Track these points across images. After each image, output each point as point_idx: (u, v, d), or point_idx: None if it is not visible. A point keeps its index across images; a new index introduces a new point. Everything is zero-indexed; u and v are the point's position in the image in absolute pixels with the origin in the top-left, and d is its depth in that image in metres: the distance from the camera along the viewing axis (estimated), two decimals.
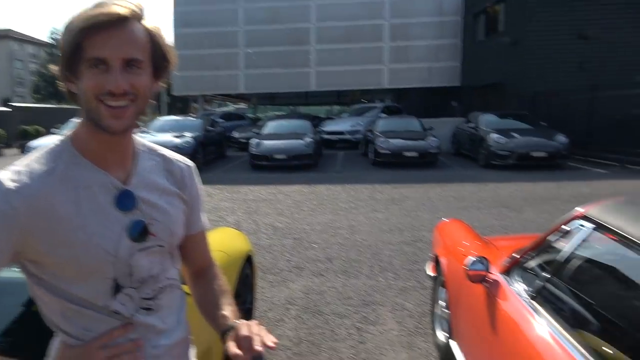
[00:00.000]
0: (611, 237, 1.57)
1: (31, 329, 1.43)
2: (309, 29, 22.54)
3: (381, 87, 23.90)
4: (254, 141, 12.87)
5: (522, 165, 11.48)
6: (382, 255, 5.14)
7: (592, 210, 1.73)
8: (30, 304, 1.40)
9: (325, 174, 11.54)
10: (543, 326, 1.62)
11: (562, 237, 1.86)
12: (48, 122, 18.57)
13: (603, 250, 1.72)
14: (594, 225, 1.68)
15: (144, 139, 1.10)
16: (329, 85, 23.51)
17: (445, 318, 2.94)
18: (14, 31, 62.46)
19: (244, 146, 15.41)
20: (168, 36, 1.07)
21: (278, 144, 12.58)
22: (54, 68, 0.95)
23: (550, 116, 13.55)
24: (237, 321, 1.05)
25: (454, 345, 2.66)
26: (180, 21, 22.96)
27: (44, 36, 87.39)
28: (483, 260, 2.17)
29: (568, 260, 1.76)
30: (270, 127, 14.37)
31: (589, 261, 1.77)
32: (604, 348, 1.40)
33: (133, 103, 0.92)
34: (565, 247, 1.79)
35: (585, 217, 1.75)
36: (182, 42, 21.71)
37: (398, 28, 21.91)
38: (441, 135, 13.47)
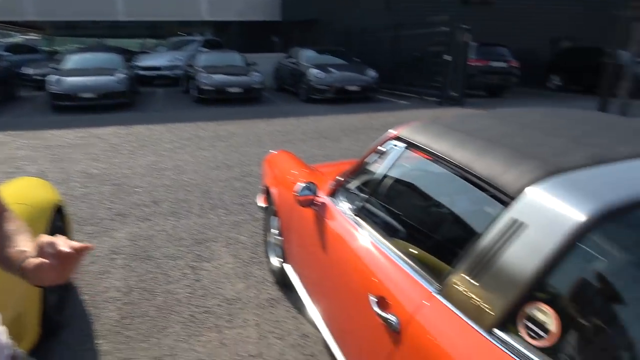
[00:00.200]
0: (420, 154, 1.76)
1: None
2: None
3: (200, 19, 22.48)
4: (52, 77, 11.02)
5: (338, 98, 12.32)
6: (211, 193, 5.06)
7: (404, 132, 1.91)
8: None
9: (144, 114, 10.65)
10: (365, 237, 1.80)
11: (378, 158, 2.03)
12: None
13: (413, 166, 1.93)
14: (405, 145, 1.86)
15: None
16: (140, 14, 21.12)
17: (278, 245, 3.05)
18: None
19: (40, 84, 13.16)
20: None
21: (84, 80, 11.02)
22: None
23: (362, 52, 14.58)
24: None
25: (287, 267, 2.80)
26: None
27: None
28: (311, 186, 2.28)
29: (384, 177, 1.94)
30: (72, 61, 12.30)
31: (402, 177, 1.98)
32: (412, 250, 1.60)
33: None
34: (381, 166, 1.97)
35: (398, 138, 1.93)
36: None
37: None
38: (263, 70, 13.44)
